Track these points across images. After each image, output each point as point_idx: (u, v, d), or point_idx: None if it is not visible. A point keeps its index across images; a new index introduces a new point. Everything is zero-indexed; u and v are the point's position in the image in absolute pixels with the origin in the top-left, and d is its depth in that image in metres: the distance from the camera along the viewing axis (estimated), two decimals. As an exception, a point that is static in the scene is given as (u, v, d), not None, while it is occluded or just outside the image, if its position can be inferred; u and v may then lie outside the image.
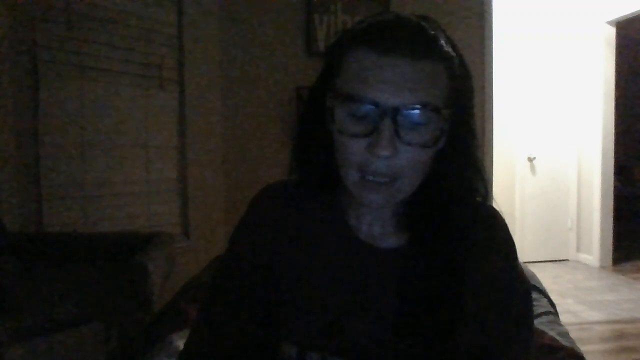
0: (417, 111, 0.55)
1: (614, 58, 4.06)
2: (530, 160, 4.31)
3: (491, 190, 0.66)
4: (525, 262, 3.06)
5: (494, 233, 0.67)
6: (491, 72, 2.93)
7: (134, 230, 2.16)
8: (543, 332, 1.17)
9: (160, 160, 2.37)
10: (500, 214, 0.68)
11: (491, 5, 2.91)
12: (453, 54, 0.58)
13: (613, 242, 4.16)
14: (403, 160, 0.56)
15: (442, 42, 0.57)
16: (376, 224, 0.66)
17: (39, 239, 1.74)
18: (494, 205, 0.70)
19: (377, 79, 0.54)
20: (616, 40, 4.05)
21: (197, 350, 0.69)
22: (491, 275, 0.64)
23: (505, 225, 0.68)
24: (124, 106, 2.20)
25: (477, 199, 0.65)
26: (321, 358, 0.64)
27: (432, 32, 0.57)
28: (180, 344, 1.02)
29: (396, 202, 0.61)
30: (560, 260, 4.35)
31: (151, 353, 1.02)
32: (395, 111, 0.54)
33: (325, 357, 0.64)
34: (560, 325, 1.25)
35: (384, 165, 0.56)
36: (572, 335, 1.22)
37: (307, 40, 2.74)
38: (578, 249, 4.35)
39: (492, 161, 3.02)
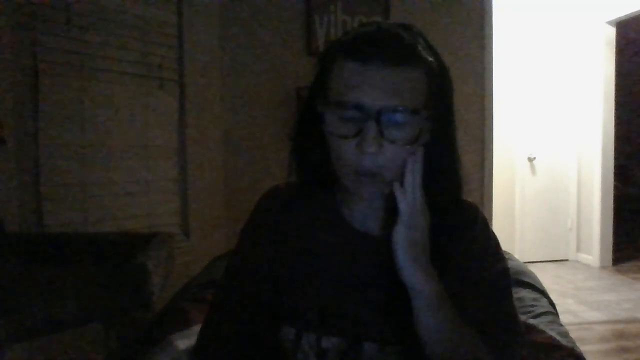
0: (398, 113, 0.61)
1: (614, 58, 4.06)
2: (530, 160, 4.31)
3: (463, 184, 0.72)
4: (525, 262, 3.06)
5: (474, 219, 0.74)
6: (491, 72, 2.93)
7: (134, 230, 2.16)
8: (543, 332, 1.17)
9: (160, 160, 2.36)
10: (477, 206, 0.77)
11: (491, 6, 2.91)
12: (431, 58, 0.64)
13: (613, 242, 4.16)
14: (388, 157, 0.62)
15: (420, 48, 0.63)
16: (370, 217, 0.73)
17: (39, 239, 1.74)
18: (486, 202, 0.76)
19: (361, 85, 0.61)
20: (616, 40, 4.05)
21: (213, 334, 0.75)
22: (472, 256, 0.71)
23: (482, 213, 0.76)
24: (124, 106, 2.20)
25: (455, 189, 0.72)
26: (316, 339, 0.68)
27: (411, 41, 0.63)
28: (180, 344, 1.02)
29: (386, 193, 0.67)
30: (560, 260, 4.35)
31: (151, 353, 1.02)
32: (379, 113, 0.60)
33: (320, 338, 0.68)
34: (560, 325, 1.25)
35: (372, 161, 0.62)
36: (572, 335, 1.22)
37: (307, 40, 2.74)
38: (578, 249, 4.35)
39: (492, 161, 3.01)
